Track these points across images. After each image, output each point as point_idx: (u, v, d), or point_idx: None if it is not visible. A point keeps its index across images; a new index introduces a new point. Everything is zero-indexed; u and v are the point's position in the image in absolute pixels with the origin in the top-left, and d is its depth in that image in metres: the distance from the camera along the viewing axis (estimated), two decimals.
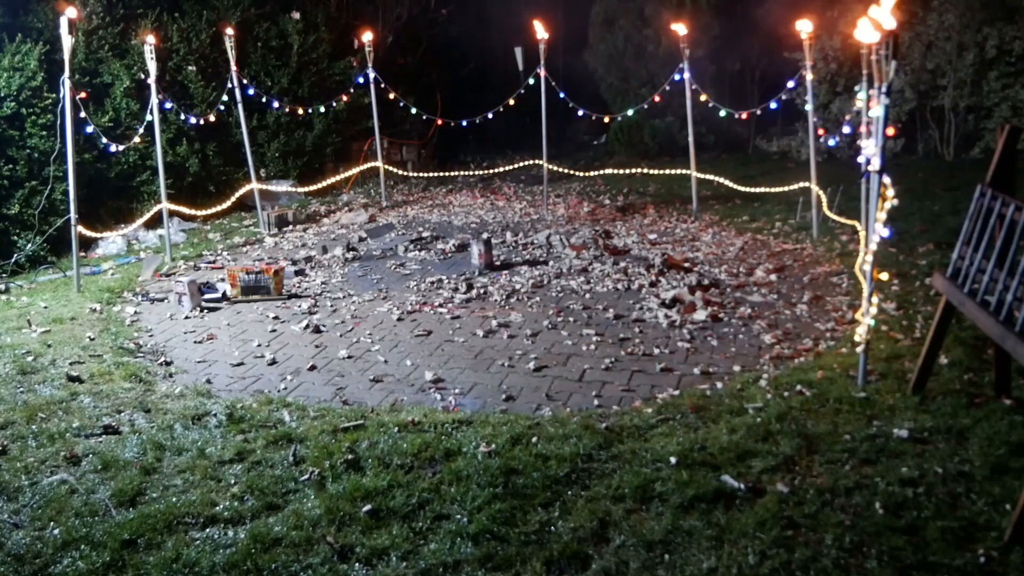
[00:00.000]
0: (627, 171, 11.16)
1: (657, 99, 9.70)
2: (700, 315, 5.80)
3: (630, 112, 10.44)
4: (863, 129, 4.38)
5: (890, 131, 4.17)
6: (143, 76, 9.02)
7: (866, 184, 5.21)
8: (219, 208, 9.58)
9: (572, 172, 11.28)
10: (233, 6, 10.75)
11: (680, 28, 8.53)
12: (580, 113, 10.18)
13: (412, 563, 3.11)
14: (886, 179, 4.04)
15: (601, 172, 11.43)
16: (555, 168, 10.53)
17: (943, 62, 10.66)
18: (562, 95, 9.62)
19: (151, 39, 8.01)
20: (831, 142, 7.93)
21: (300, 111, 10.65)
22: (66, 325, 6.11)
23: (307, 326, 6.00)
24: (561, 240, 8.04)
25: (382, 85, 10.38)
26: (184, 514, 3.47)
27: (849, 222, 7.31)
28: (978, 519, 3.18)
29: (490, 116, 10.15)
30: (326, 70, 11.72)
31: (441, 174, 12.20)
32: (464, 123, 10.53)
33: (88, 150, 8.79)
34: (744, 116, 9.58)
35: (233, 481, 3.75)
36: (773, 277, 6.68)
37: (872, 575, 2.92)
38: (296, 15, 11.40)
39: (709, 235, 8.28)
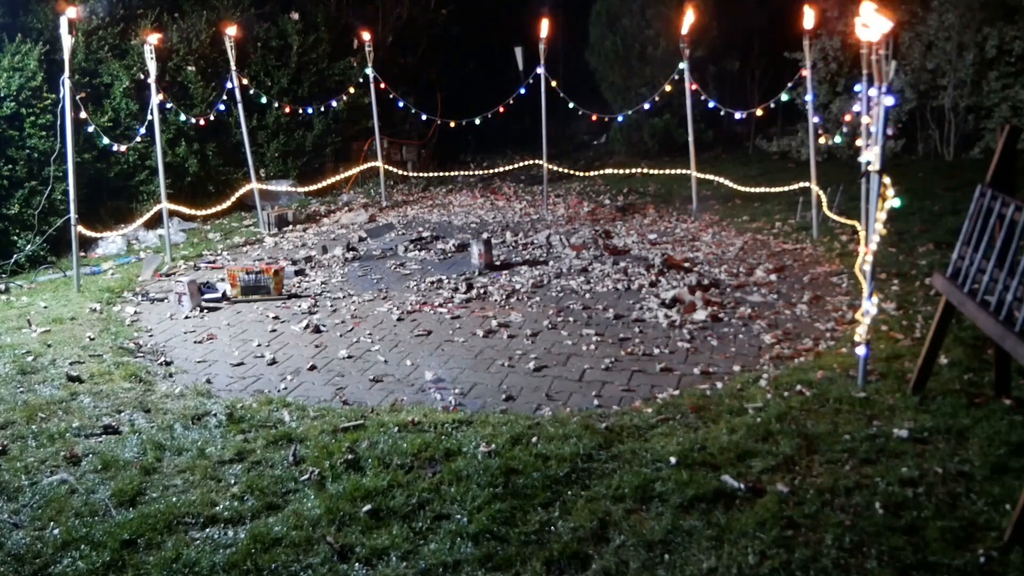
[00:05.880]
0: (627, 171, 11.16)
1: (658, 99, 9.70)
2: (700, 315, 5.80)
3: (630, 112, 10.43)
4: (863, 129, 4.37)
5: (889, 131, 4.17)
6: (143, 76, 9.02)
7: (866, 184, 5.21)
8: (219, 208, 9.57)
9: (572, 172, 11.27)
10: (233, 6, 10.75)
11: (682, 27, 8.53)
12: (580, 113, 10.18)
13: (412, 563, 3.11)
14: (886, 179, 4.04)
15: (601, 172, 11.43)
16: (555, 168, 10.52)
17: (943, 62, 10.66)
18: (562, 95, 9.62)
19: (151, 39, 8.01)
20: (837, 139, 7.93)
21: (300, 111, 10.65)
22: (66, 325, 6.11)
23: (307, 326, 6.00)
24: (561, 240, 8.04)
25: (382, 85, 10.38)
26: (184, 514, 3.47)
27: (849, 222, 7.31)
28: (978, 519, 3.18)
29: (490, 116, 10.15)
30: (326, 70, 11.72)
31: (441, 174, 12.20)
32: (464, 123, 10.53)
33: (88, 150, 8.78)
34: (743, 116, 9.57)
35: (233, 481, 3.75)
36: (773, 277, 6.68)
37: (872, 575, 2.92)
38: (296, 15, 11.40)
39: (709, 235, 8.27)
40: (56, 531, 3.39)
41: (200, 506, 3.52)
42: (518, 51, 13.16)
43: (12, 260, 7.96)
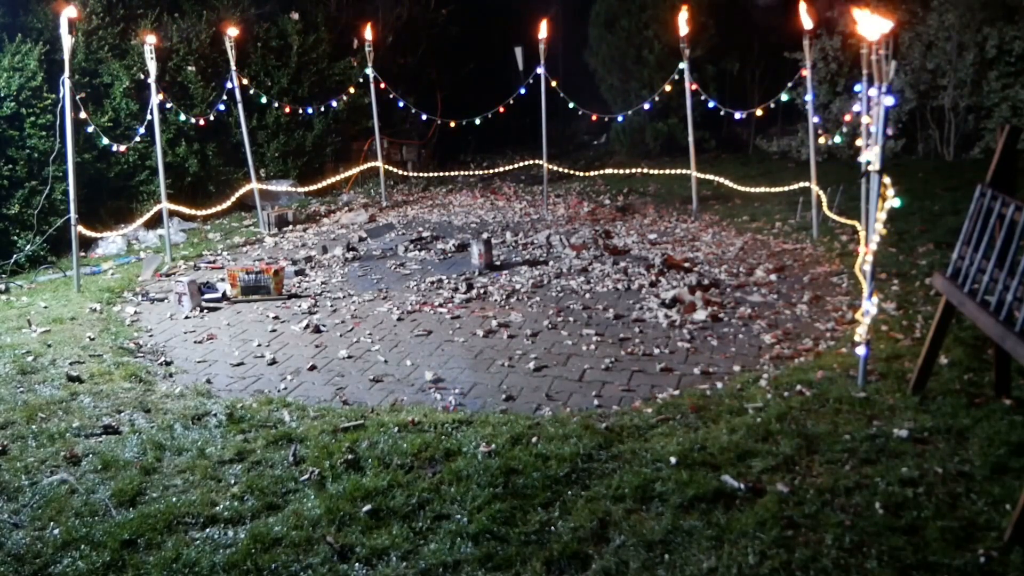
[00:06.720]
0: (627, 171, 11.16)
1: (657, 99, 9.69)
2: (700, 315, 5.80)
3: (630, 112, 10.44)
4: (863, 129, 4.37)
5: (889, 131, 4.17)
6: (143, 76, 9.02)
7: (866, 184, 5.21)
8: (219, 208, 9.57)
9: (572, 172, 11.27)
10: (233, 6, 10.75)
11: (681, 27, 8.53)
12: (580, 113, 10.18)
13: (412, 563, 3.11)
14: (886, 179, 4.04)
15: (601, 172, 11.43)
16: (555, 168, 10.52)
17: (943, 62, 10.66)
18: (562, 95, 9.61)
19: (151, 39, 8.01)
20: (836, 139, 7.93)
21: (300, 111, 10.65)
22: (66, 325, 6.11)
23: (307, 326, 6.00)
24: (561, 240, 8.04)
25: (382, 85, 10.38)
26: (184, 514, 3.47)
27: (849, 222, 7.31)
28: (978, 519, 3.18)
29: (490, 116, 10.15)
30: (326, 70, 11.72)
31: (441, 174, 12.20)
32: (464, 123, 10.53)
33: (88, 150, 8.78)
34: (743, 116, 9.57)
35: (233, 481, 3.75)
36: (773, 277, 6.68)
37: (872, 575, 2.92)
38: (296, 15, 11.40)
39: (709, 235, 8.27)
40: (56, 531, 3.39)
41: (200, 506, 3.52)
42: (518, 51, 13.15)
43: (12, 260, 7.96)
